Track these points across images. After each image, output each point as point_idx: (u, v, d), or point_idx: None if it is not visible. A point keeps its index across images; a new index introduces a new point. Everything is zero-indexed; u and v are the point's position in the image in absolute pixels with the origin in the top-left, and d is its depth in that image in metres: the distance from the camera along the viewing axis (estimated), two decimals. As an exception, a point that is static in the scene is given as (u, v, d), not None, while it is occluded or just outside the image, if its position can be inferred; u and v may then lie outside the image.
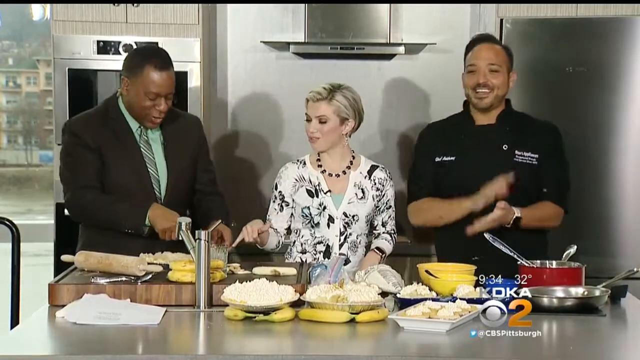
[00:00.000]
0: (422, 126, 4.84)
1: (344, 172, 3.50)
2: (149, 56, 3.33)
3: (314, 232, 3.45)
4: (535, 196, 3.49)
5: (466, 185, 3.42)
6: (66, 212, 4.32)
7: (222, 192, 3.64)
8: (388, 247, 3.56)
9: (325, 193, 3.44)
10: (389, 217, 3.58)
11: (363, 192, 3.49)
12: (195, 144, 3.54)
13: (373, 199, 3.50)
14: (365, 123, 4.80)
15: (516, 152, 3.46)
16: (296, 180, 3.46)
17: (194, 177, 3.54)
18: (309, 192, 3.45)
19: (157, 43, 4.36)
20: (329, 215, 3.44)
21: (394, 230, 3.61)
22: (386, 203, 3.55)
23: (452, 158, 3.50)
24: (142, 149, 3.41)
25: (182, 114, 3.61)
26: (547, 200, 3.51)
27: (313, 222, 3.43)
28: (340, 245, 3.45)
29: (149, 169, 3.41)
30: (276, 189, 3.49)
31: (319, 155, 3.50)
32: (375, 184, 3.52)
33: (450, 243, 3.49)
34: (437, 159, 3.52)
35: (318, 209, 3.44)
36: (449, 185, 3.49)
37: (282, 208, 3.47)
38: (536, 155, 3.47)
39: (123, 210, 3.30)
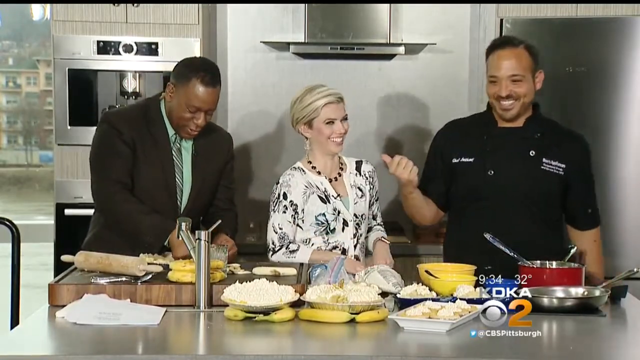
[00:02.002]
0: (423, 126, 4.88)
1: (339, 175, 3.49)
2: (198, 69, 3.29)
3: (328, 239, 3.40)
4: (559, 207, 3.38)
5: (483, 189, 3.32)
6: (66, 212, 4.37)
7: (237, 211, 3.61)
8: (386, 235, 3.57)
9: (335, 198, 3.42)
10: (377, 208, 3.58)
11: (360, 190, 3.49)
12: (223, 160, 3.53)
13: (369, 193, 3.51)
14: (365, 123, 4.83)
15: (544, 159, 3.33)
16: (306, 187, 3.38)
17: (215, 192, 3.53)
18: (320, 198, 3.39)
19: (157, 43, 4.37)
20: (343, 219, 3.41)
21: (382, 221, 3.62)
22: (375, 195, 3.55)
23: (471, 160, 3.36)
24: (173, 156, 3.41)
25: (216, 128, 3.59)
26: (586, 229, 3.44)
27: (329, 228, 3.39)
28: (354, 247, 3.44)
29: (176, 177, 3.41)
30: (285, 198, 3.36)
31: (310, 161, 3.44)
32: (367, 177, 3.52)
33: (458, 254, 3.34)
34: (455, 160, 3.39)
35: (333, 214, 3.39)
36: (464, 187, 3.37)
37: (294, 219, 3.38)
38: (563, 165, 3.33)
39: (147, 225, 3.29)
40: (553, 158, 3.34)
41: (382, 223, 3.61)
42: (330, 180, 3.44)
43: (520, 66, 3.26)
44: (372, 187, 3.53)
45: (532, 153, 3.33)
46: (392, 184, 4.89)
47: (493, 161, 3.34)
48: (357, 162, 3.55)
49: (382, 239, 3.53)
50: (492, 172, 3.33)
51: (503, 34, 4.40)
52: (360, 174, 3.52)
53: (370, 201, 3.52)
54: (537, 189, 3.32)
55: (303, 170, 3.41)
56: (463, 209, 3.41)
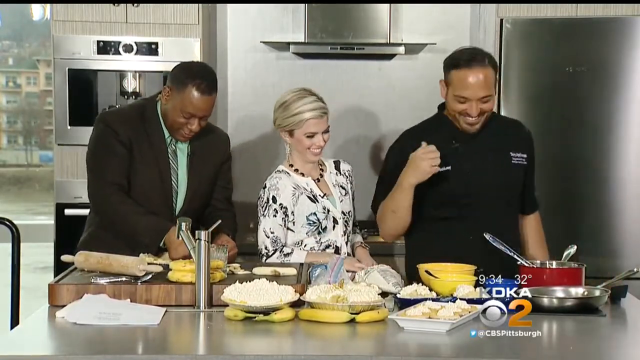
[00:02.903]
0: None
1: (321, 175, 3.49)
2: (195, 76, 3.27)
3: (320, 238, 3.40)
4: (518, 196, 3.43)
5: (466, 193, 3.31)
6: (66, 212, 4.38)
7: (235, 211, 3.60)
8: (363, 240, 3.61)
9: (322, 197, 3.42)
10: (354, 208, 3.57)
11: (343, 188, 3.50)
12: (220, 161, 3.51)
13: (350, 191, 3.53)
14: (365, 123, 4.83)
15: (511, 153, 3.37)
16: (294, 188, 3.38)
17: (212, 193, 3.52)
18: (309, 198, 3.39)
19: (157, 43, 4.37)
20: (333, 217, 3.42)
21: (357, 220, 3.63)
22: (353, 193, 3.56)
23: (448, 167, 3.27)
24: (169, 157, 3.40)
25: (213, 129, 3.56)
26: (531, 212, 3.52)
27: (321, 227, 3.39)
28: (346, 244, 3.45)
29: (171, 179, 3.40)
30: (274, 201, 3.35)
31: (292, 164, 3.44)
32: (347, 176, 3.54)
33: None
34: None
35: (323, 212, 3.39)
36: (446, 194, 3.31)
37: (285, 222, 3.37)
38: (525, 155, 3.39)
39: (143, 226, 3.28)
40: (517, 150, 3.40)
41: (357, 223, 3.62)
42: (314, 181, 3.45)
43: (488, 86, 3.22)
44: (352, 185, 3.55)
45: (501, 150, 3.37)
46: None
47: (471, 164, 3.33)
48: (335, 162, 3.56)
49: (362, 245, 3.55)
50: (473, 175, 3.32)
51: (503, 34, 4.40)
52: (340, 173, 3.53)
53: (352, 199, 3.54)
54: (511, 183, 3.38)
55: (287, 173, 3.42)
56: (438, 216, 3.36)
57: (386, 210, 3.34)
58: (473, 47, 3.46)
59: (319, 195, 3.41)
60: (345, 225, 3.45)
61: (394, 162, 3.35)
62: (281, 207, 3.36)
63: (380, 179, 3.46)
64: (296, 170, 3.43)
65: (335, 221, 3.42)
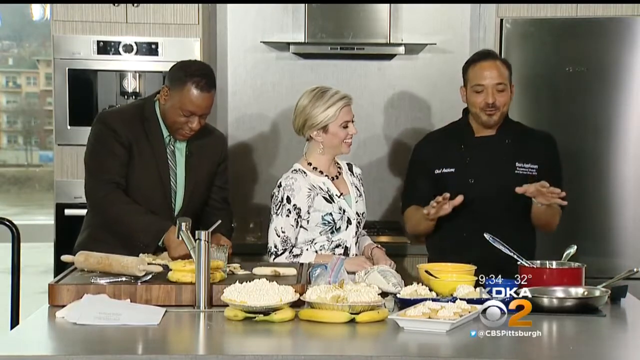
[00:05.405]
0: (422, 126, 4.88)
1: (339, 174, 3.49)
2: (193, 74, 3.27)
3: (332, 237, 3.41)
4: (522, 203, 3.50)
5: (466, 196, 3.43)
6: (66, 212, 4.38)
7: (232, 210, 3.61)
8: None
9: (339, 197, 3.42)
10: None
11: (357, 189, 3.50)
12: (217, 161, 3.52)
13: (363, 193, 3.54)
14: (366, 123, 4.83)
15: (517, 164, 3.52)
16: (309, 189, 3.37)
17: (209, 193, 3.52)
18: (325, 198, 3.38)
19: (157, 43, 4.37)
20: (347, 217, 3.42)
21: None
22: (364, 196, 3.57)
23: (452, 170, 3.56)
24: (167, 157, 3.40)
25: (210, 129, 3.55)
26: None
27: (335, 227, 3.39)
28: (355, 245, 3.45)
29: (170, 178, 3.40)
30: (288, 202, 3.34)
31: (310, 162, 3.44)
32: (359, 179, 3.56)
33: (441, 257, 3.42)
34: (437, 171, 3.58)
35: (339, 213, 3.39)
36: (451, 195, 3.47)
37: (298, 223, 3.37)
38: (536, 166, 3.53)
39: (141, 226, 3.28)
40: (525, 161, 3.54)
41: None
42: (332, 179, 3.44)
43: (502, 76, 3.51)
44: (363, 187, 3.56)
45: (505, 159, 3.53)
46: (392, 184, 4.91)
47: (473, 170, 3.55)
48: (348, 164, 3.57)
49: (378, 246, 3.55)
50: (473, 180, 3.53)
51: (503, 34, 4.41)
52: (353, 175, 3.54)
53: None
54: (513, 192, 3.43)
55: (304, 172, 3.40)
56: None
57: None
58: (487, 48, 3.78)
59: (336, 195, 3.41)
60: (358, 227, 3.46)
61: (416, 162, 3.70)
62: (295, 208, 3.35)
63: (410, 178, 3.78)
64: (315, 168, 3.42)
65: (349, 221, 3.42)
